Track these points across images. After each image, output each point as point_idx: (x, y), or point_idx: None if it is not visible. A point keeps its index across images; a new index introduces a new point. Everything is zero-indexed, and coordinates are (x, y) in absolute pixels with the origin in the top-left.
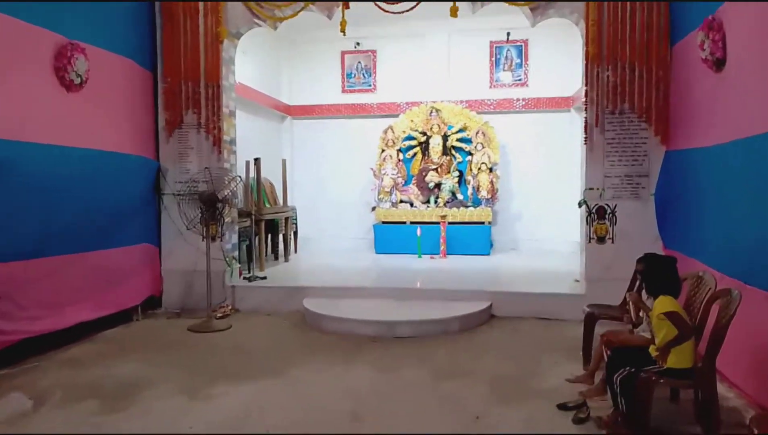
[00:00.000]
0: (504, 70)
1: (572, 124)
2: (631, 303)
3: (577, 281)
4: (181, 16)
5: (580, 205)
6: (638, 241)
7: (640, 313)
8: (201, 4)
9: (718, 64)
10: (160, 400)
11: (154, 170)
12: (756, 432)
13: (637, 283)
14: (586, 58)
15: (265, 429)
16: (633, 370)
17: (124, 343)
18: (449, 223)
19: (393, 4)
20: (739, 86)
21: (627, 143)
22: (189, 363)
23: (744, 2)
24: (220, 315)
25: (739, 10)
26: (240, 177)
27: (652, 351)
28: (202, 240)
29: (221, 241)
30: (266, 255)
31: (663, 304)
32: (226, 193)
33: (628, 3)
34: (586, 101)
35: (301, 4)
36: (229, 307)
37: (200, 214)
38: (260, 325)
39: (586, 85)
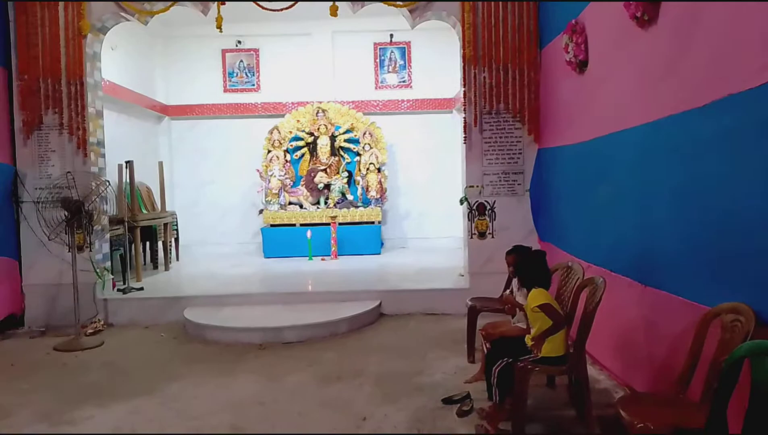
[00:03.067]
0: (389, 72)
1: (454, 125)
2: (505, 300)
3: (462, 276)
4: (38, 8)
5: (461, 202)
6: (516, 235)
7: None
8: None
9: (581, 66)
10: (17, 429)
11: (9, 176)
12: (622, 412)
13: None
14: (463, 60)
15: None
16: (510, 360)
17: None
18: (340, 223)
19: (272, 1)
20: (599, 87)
21: (503, 142)
22: (53, 386)
23: (604, 6)
24: (91, 331)
25: (599, 13)
26: (108, 181)
27: (528, 341)
28: (68, 250)
29: (90, 251)
30: (144, 264)
31: (536, 297)
32: (92, 199)
33: (501, 7)
34: (464, 102)
35: None
36: (101, 322)
37: (64, 223)
38: (136, 340)
39: (464, 86)
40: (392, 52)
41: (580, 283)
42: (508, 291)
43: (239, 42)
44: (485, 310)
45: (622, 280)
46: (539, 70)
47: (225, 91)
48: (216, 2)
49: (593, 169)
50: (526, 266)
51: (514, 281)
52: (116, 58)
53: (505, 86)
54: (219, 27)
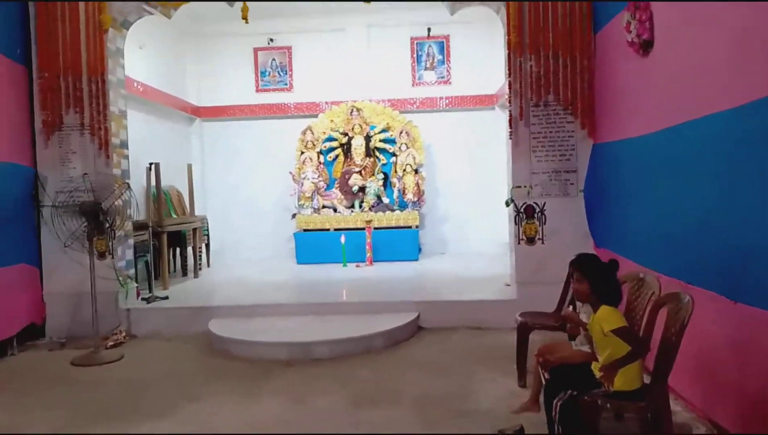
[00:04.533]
0: (426, 69)
1: (497, 122)
2: (567, 318)
3: (508, 285)
4: (58, 2)
5: (507, 204)
6: (569, 240)
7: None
8: None
9: (646, 46)
10: None
11: (28, 179)
12: None
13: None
14: (509, 48)
15: None
16: (575, 393)
17: None
18: (375, 228)
19: None
20: (669, 69)
21: (554, 137)
22: (64, 405)
23: None
24: (112, 343)
25: None
26: (128, 184)
27: (596, 370)
28: (96, 258)
29: (113, 257)
30: (174, 271)
31: (608, 319)
32: (112, 203)
33: None
34: (509, 93)
35: None
36: (123, 334)
37: (85, 228)
38: (158, 353)
39: (509, 76)
40: (430, 46)
41: (658, 300)
42: (570, 307)
43: (271, 40)
44: (538, 327)
45: (703, 294)
46: (593, 57)
47: (257, 91)
48: None
49: (665, 164)
50: (594, 280)
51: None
52: (147, 58)
53: (555, 75)
54: (245, 18)
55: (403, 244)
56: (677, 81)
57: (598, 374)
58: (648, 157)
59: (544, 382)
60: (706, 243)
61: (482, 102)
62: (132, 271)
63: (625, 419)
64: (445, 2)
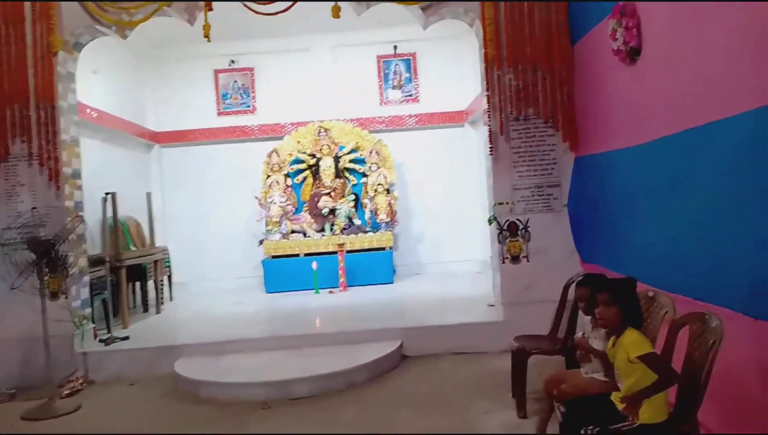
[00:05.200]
0: (393, 87)
1: (467, 139)
2: (578, 346)
3: (492, 305)
4: (2, 25)
5: (490, 221)
6: (556, 257)
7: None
8: (27, 7)
9: (633, 54)
10: None
11: None
12: None
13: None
14: (486, 61)
15: None
16: (597, 429)
17: None
18: (348, 251)
19: (264, 4)
20: (660, 77)
21: (535, 151)
22: None
23: None
24: (68, 392)
25: None
26: (82, 216)
27: (616, 400)
28: (49, 298)
29: (66, 297)
30: (134, 307)
31: (636, 344)
32: (65, 238)
33: (525, 1)
34: (488, 108)
35: (154, 5)
36: (80, 381)
37: (35, 266)
38: (119, 401)
39: (487, 90)
40: (397, 64)
41: (676, 321)
42: (580, 333)
43: (233, 61)
44: (536, 352)
45: (722, 312)
46: (572, 68)
47: (219, 114)
48: (203, 7)
49: (662, 174)
50: (626, 303)
51: (587, 320)
52: (101, 83)
53: (534, 88)
54: (207, 35)
55: (378, 266)
56: (670, 89)
57: (619, 405)
58: (641, 167)
59: (560, 416)
60: (721, 255)
61: (451, 119)
62: (88, 311)
63: None
64: (416, 17)
